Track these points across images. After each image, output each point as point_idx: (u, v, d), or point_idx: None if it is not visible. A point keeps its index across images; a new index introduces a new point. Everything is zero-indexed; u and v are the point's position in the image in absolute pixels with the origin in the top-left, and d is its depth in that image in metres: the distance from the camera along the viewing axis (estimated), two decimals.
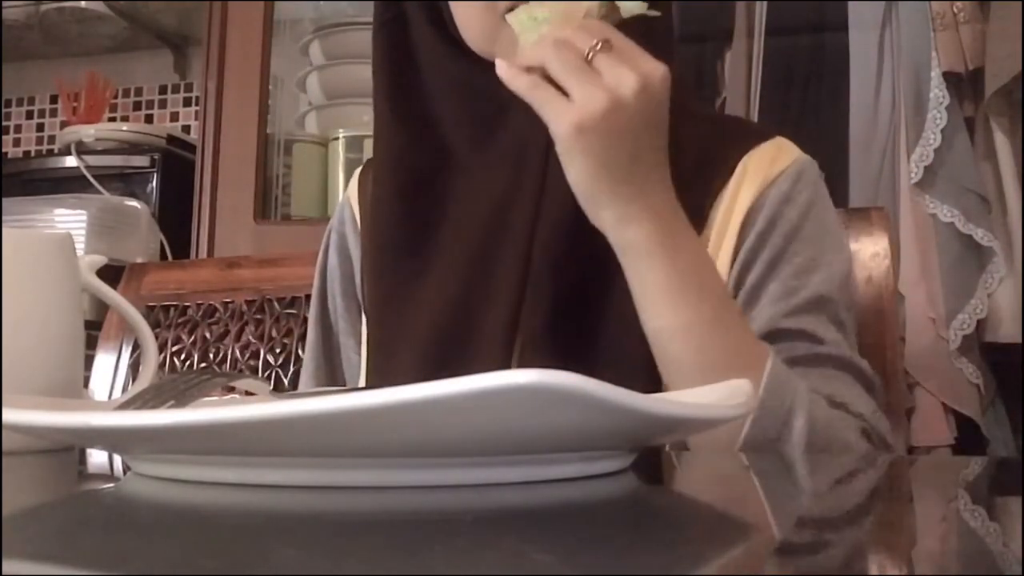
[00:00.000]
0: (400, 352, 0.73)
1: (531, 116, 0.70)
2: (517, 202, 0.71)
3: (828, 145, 1.54)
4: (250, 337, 1.18)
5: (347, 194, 0.87)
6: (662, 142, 0.63)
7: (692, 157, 0.71)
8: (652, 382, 0.66)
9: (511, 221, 0.71)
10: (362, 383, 0.80)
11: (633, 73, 0.59)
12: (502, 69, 0.61)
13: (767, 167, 0.74)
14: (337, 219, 0.87)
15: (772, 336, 0.68)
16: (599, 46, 0.59)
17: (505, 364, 0.68)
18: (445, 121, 0.75)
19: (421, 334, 0.72)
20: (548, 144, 0.68)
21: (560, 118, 0.60)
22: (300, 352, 1.15)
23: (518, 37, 0.64)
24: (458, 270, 0.72)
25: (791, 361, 0.67)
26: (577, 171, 0.61)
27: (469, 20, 0.71)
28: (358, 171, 0.87)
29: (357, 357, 0.82)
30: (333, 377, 0.85)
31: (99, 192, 1.91)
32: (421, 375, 0.75)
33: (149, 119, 2.35)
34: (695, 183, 0.71)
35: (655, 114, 0.61)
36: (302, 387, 0.88)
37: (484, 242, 0.72)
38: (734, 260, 0.73)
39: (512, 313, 0.69)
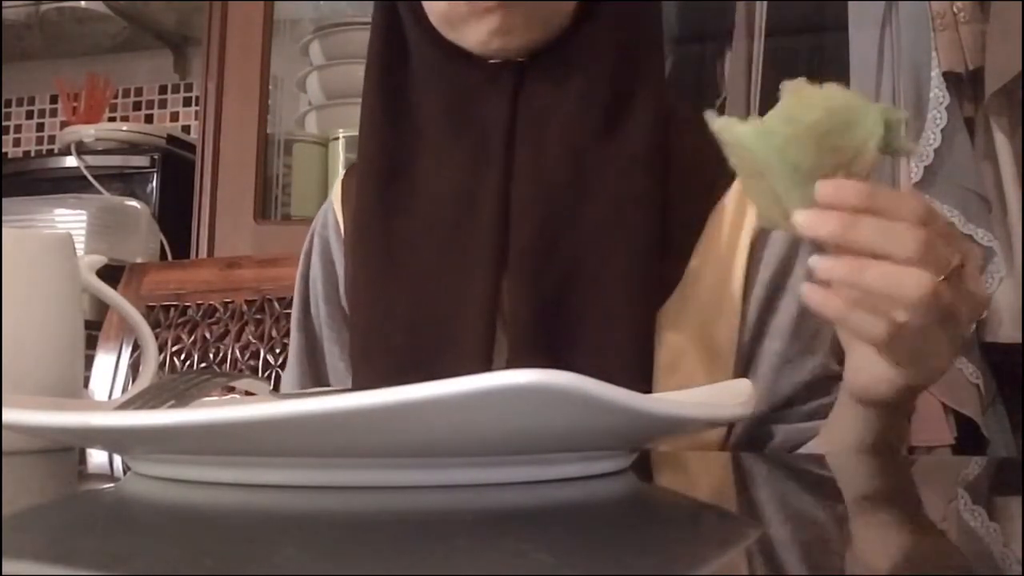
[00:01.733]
0: (376, 357, 0.72)
1: (494, 107, 0.70)
2: (480, 198, 0.70)
3: None
4: (250, 337, 1.18)
5: (331, 199, 0.85)
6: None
7: (689, 165, 0.71)
8: (637, 371, 0.65)
9: (477, 217, 0.70)
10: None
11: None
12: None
13: None
14: (320, 223, 0.85)
15: (826, 381, 0.69)
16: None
17: (484, 364, 0.67)
18: (423, 112, 0.74)
19: (396, 339, 0.71)
20: (509, 136, 0.69)
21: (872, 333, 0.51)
22: None
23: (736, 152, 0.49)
24: (430, 270, 0.71)
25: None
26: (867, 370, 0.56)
27: (429, 6, 0.72)
28: (341, 176, 0.87)
29: (343, 364, 0.81)
30: (318, 384, 0.84)
31: (99, 192, 1.91)
32: (397, 380, 0.73)
33: (149, 119, 2.35)
34: (693, 191, 0.71)
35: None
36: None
37: (454, 240, 0.71)
38: (748, 276, 0.71)
39: (486, 315, 0.68)
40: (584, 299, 0.68)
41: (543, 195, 0.68)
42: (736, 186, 0.72)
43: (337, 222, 0.83)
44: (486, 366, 0.67)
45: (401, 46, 0.75)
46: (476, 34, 0.69)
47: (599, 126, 0.70)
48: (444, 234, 0.71)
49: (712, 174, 0.72)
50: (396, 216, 0.73)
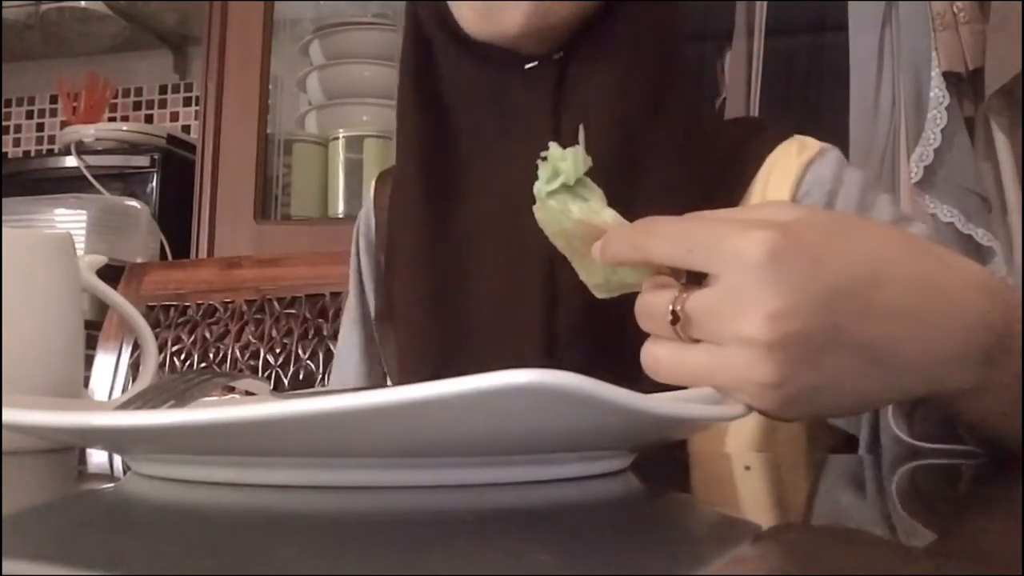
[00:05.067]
0: (428, 361, 0.72)
1: (537, 107, 0.70)
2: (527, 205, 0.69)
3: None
4: (250, 337, 1.18)
5: (368, 204, 0.86)
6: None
7: (712, 165, 0.71)
8: None
9: (524, 225, 0.69)
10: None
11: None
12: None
13: (795, 159, 0.73)
14: (364, 224, 0.86)
15: None
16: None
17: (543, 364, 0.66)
18: (463, 123, 0.74)
19: (455, 341, 0.70)
20: (555, 135, 0.68)
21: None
22: (300, 352, 1.15)
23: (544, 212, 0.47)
24: (484, 275, 0.70)
25: None
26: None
27: (460, 7, 0.70)
28: (374, 180, 0.87)
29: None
30: (378, 379, 0.84)
31: (99, 192, 1.91)
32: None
33: (149, 119, 2.35)
34: (721, 187, 0.71)
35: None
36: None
37: (507, 249, 0.70)
38: None
39: (542, 314, 0.67)
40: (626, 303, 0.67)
41: None
42: (759, 176, 0.72)
43: (370, 227, 0.85)
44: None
45: (429, 56, 0.74)
46: (512, 21, 0.67)
47: (642, 114, 0.69)
48: (499, 238, 0.70)
49: (737, 171, 0.73)
50: (446, 224, 0.72)
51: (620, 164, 0.67)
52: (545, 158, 0.47)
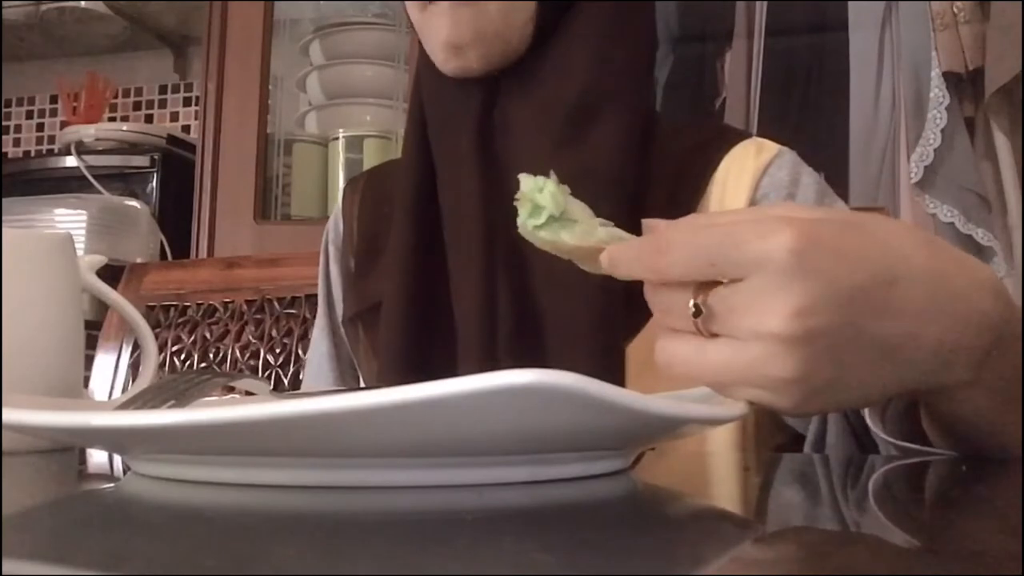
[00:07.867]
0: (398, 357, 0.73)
1: (467, 121, 0.71)
2: (465, 215, 0.71)
3: (828, 145, 1.54)
4: (250, 337, 1.18)
5: (338, 209, 0.87)
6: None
7: (673, 165, 0.72)
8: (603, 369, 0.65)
9: (466, 233, 0.71)
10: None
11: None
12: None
13: (752, 160, 0.73)
14: (333, 232, 0.87)
15: None
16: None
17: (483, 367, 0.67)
18: (433, 137, 0.76)
19: (432, 338, 0.72)
20: (480, 147, 0.70)
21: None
22: (300, 352, 1.15)
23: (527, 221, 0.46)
24: (454, 283, 0.72)
25: None
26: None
27: (414, 24, 0.72)
28: (344, 187, 0.89)
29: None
30: (351, 382, 0.85)
31: (99, 192, 1.91)
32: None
33: (149, 119, 2.35)
34: (679, 190, 0.72)
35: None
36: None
37: (457, 254, 0.72)
38: None
39: (483, 321, 0.68)
40: (555, 323, 0.67)
41: (510, 210, 0.68)
42: (717, 176, 0.73)
43: (339, 234, 0.86)
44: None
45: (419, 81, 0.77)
46: (434, 49, 0.70)
47: (561, 140, 0.69)
48: (455, 248, 0.72)
49: (694, 172, 0.73)
50: (426, 230, 0.74)
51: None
52: (518, 198, 0.46)
